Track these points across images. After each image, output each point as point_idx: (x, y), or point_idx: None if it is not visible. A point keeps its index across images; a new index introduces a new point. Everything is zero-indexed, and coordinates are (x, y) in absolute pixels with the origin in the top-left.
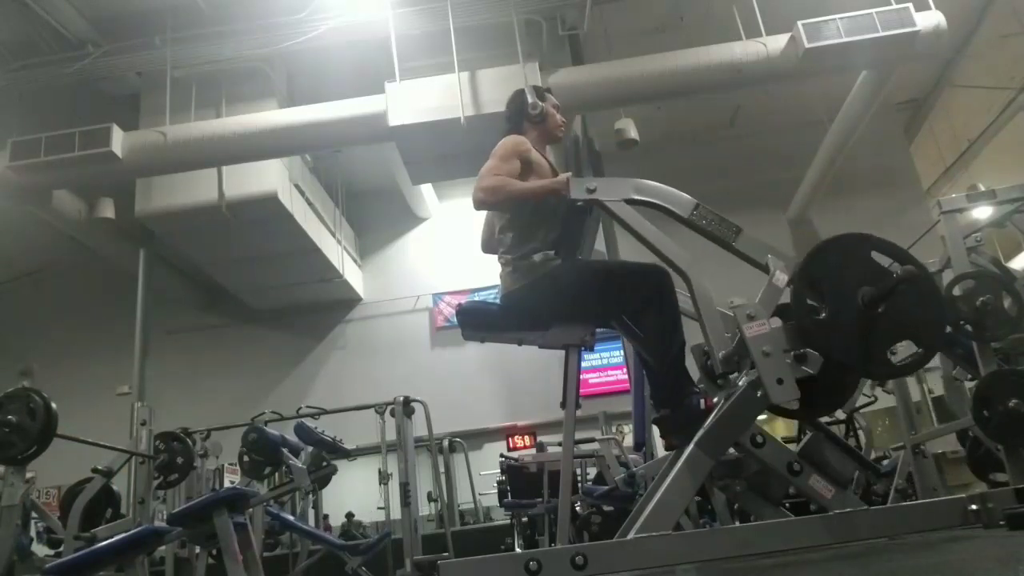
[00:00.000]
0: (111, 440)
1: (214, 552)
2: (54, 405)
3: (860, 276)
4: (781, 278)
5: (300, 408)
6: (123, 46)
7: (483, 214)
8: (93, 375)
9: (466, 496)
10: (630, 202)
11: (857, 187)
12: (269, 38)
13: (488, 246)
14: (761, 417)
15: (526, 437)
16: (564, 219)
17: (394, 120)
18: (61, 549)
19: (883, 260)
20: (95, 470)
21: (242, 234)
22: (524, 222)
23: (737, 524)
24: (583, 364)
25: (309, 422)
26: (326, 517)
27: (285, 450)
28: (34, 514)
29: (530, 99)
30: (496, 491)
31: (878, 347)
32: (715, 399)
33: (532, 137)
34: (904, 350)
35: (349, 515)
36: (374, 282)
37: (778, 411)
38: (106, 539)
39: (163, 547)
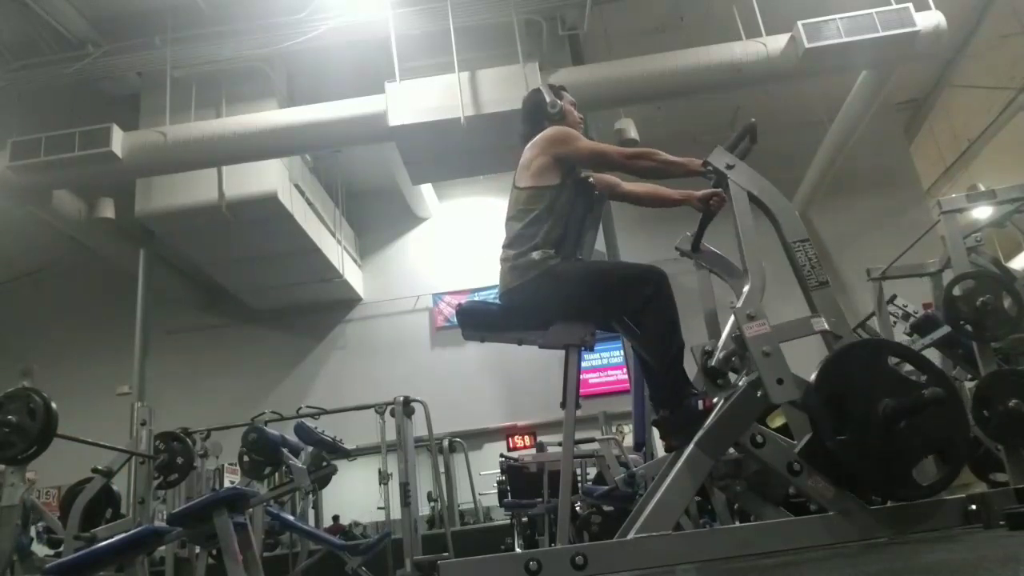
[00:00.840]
0: (111, 440)
1: (214, 552)
2: (54, 405)
3: (880, 387)
4: (819, 323)
5: (300, 408)
6: (123, 46)
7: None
8: (93, 375)
9: (466, 496)
10: (752, 197)
11: (857, 187)
12: (269, 38)
13: None
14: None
15: (526, 437)
16: (566, 218)
17: (394, 120)
18: (61, 549)
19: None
20: (95, 470)
21: (242, 234)
22: (529, 218)
23: (737, 524)
24: (583, 364)
25: (309, 422)
26: (336, 518)
27: (285, 450)
28: (34, 514)
29: (548, 98)
30: (496, 491)
31: (902, 466)
32: (715, 399)
33: None
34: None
35: (335, 518)
36: (374, 282)
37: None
38: (106, 539)
39: (163, 547)
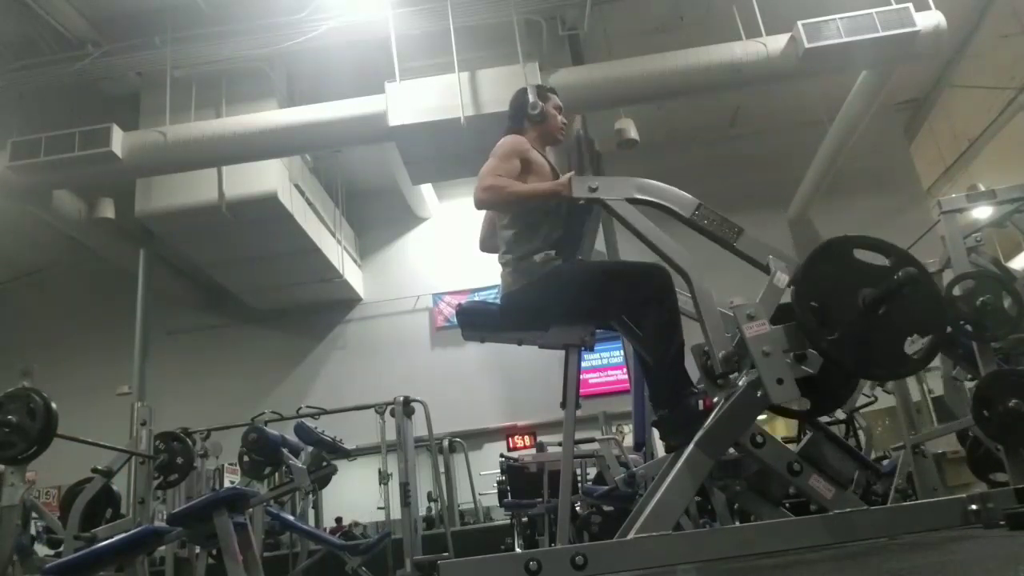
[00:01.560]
0: (111, 440)
1: (214, 552)
2: (54, 405)
3: (856, 279)
4: (782, 279)
5: (300, 408)
6: (123, 46)
7: (482, 213)
8: (93, 375)
9: (466, 496)
10: (632, 201)
11: (857, 187)
12: (269, 38)
13: (486, 244)
14: (761, 417)
15: (526, 437)
16: (565, 219)
17: (394, 120)
18: (61, 549)
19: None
20: (95, 470)
21: (242, 234)
22: (525, 222)
23: (737, 524)
24: (583, 364)
25: (309, 422)
26: (339, 520)
27: (285, 450)
28: (34, 514)
29: (531, 98)
30: (496, 491)
31: (888, 347)
32: (715, 399)
33: (532, 137)
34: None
35: (338, 520)
36: (374, 282)
37: (779, 411)
38: (106, 539)
39: (163, 547)
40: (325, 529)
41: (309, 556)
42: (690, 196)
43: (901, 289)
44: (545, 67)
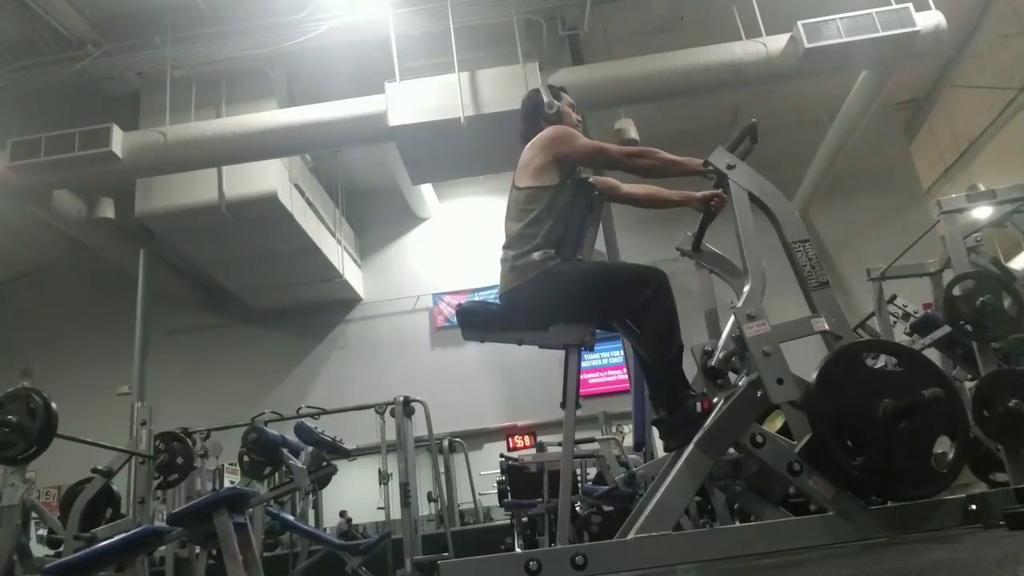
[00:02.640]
0: (111, 440)
1: (214, 552)
2: (54, 405)
3: (873, 390)
4: (819, 324)
5: (300, 408)
6: (123, 46)
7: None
8: (93, 375)
9: (466, 496)
10: (752, 197)
11: (857, 187)
12: (269, 38)
13: None
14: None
15: (526, 437)
16: (566, 218)
17: (394, 120)
18: (61, 549)
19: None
20: (95, 470)
21: (242, 234)
22: (529, 218)
23: (737, 524)
24: (583, 364)
25: (309, 422)
26: (350, 520)
27: (285, 450)
28: (34, 514)
29: (546, 98)
30: (496, 491)
31: (916, 459)
32: (715, 399)
33: None
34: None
35: (343, 514)
36: (374, 282)
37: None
38: (106, 539)
39: (163, 547)
40: (325, 529)
41: (309, 556)
42: (804, 227)
43: (927, 408)
44: (545, 67)
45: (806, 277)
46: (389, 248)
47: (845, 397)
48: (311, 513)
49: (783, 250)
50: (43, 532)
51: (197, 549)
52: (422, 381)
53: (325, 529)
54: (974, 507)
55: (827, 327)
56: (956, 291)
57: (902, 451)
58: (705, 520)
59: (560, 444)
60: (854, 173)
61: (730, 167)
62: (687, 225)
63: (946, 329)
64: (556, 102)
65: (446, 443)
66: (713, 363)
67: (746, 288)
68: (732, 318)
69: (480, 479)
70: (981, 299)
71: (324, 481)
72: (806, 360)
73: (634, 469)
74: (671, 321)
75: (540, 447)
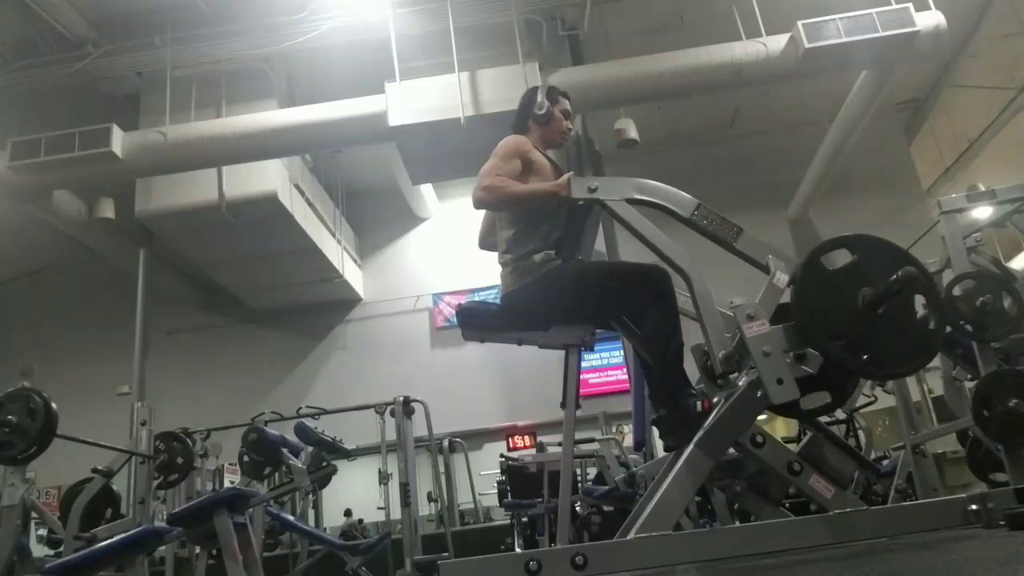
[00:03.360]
0: (111, 440)
1: (214, 552)
2: (54, 405)
3: (861, 277)
4: (782, 278)
5: (300, 408)
6: (123, 46)
7: (482, 212)
8: (93, 375)
9: (466, 496)
10: (631, 202)
11: (857, 187)
12: (269, 38)
13: (485, 242)
14: (761, 417)
15: (526, 437)
16: (565, 219)
17: (394, 120)
18: (61, 549)
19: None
20: (95, 470)
21: (242, 234)
22: (525, 221)
23: (737, 524)
24: (583, 364)
25: (309, 422)
26: (360, 521)
27: (285, 450)
28: (34, 514)
29: (538, 99)
30: (496, 491)
31: (878, 349)
32: (715, 399)
33: (535, 137)
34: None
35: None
36: (374, 282)
37: (778, 410)
38: (106, 539)
39: (163, 547)
40: (326, 529)
41: (309, 556)
42: (689, 196)
43: (901, 290)
44: (545, 67)
45: (722, 237)
46: (389, 248)
47: (824, 300)
48: (311, 513)
49: (686, 227)
50: (43, 532)
51: (197, 549)
52: (422, 381)
53: (325, 529)
54: (974, 507)
55: (783, 271)
56: (956, 291)
57: (880, 334)
58: (705, 520)
59: (560, 444)
60: (854, 173)
61: (592, 190)
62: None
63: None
64: (547, 104)
65: (446, 443)
66: (712, 363)
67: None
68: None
69: (480, 479)
70: (981, 299)
71: (324, 481)
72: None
73: (634, 469)
74: (672, 320)
75: (540, 447)
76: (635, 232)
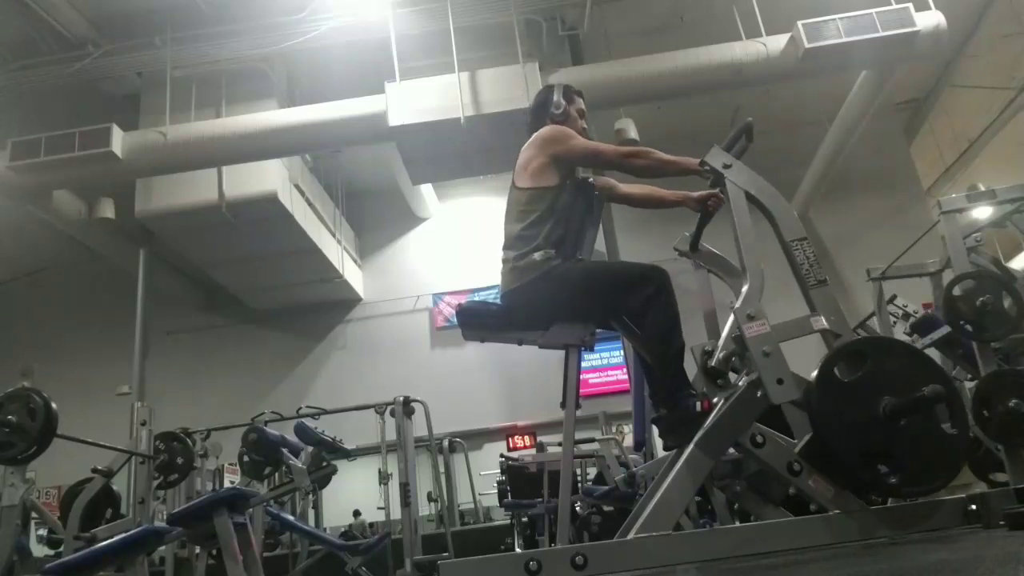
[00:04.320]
0: (111, 440)
1: (214, 552)
2: (54, 405)
3: (873, 387)
4: (819, 322)
5: (300, 408)
6: (123, 46)
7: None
8: (93, 375)
9: (466, 496)
10: (749, 197)
11: (857, 187)
12: (269, 38)
13: None
14: None
15: (526, 437)
16: (566, 218)
17: (394, 120)
18: (61, 549)
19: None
20: (95, 470)
21: (242, 234)
22: (528, 219)
23: (737, 524)
24: (583, 364)
25: (309, 422)
26: (372, 525)
27: (285, 450)
28: (34, 514)
29: (555, 98)
30: (496, 491)
31: (917, 456)
32: (715, 399)
33: None
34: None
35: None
36: (374, 282)
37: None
38: (106, 539)
39: (163, 547)
40: (326, 529)
41: (309, 556)
42: (801, 225)
43: (928, 405)
44: (545, 67)
45: (804, 275)
46: (389, 248)
47: (845, 395)
48: (311, 513)
49: (781, 249)
50: (43, 532)
51: (197, 549)
52: (422, 381)
53: (325, 529)
54: (974, 507)
55: (826, 325)
56: (956, 291)
57: (903, 448)
58: (705, 520)
59: (560, 444)
60: (854, 173)
61: (726, 166)
62: (687, 225)
63: (946, 329)
64: (564, 103)
65: (446, 443)
66: (713, 363)
67: (745, 288)
68: (732, 318)
69: (480, 479)
70: (981, 299)
71: (324, 481)
72: (806, 358)
73: (634, 469)
74: (672, 320)
75: (540, 447)
76: (735, 221)
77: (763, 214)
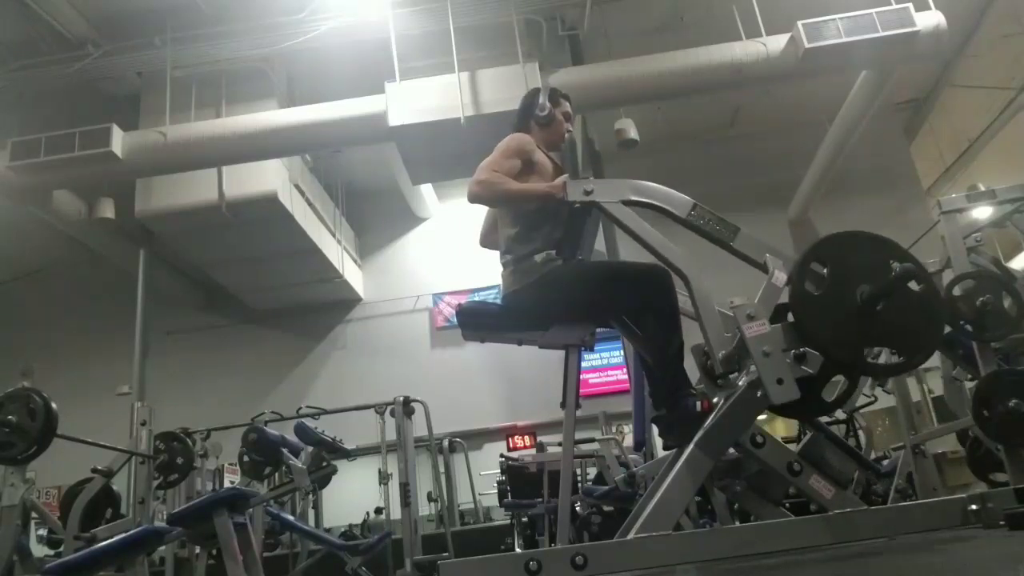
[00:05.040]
0: (111, 440)
1: (214, 552)
2: (54, 405)
3: (864, 274)
4: (780, 277)
5: (300, 408)
6: (123, 46)
7: (483, 212)
8: (93, 375)
9: (466, 496)
10: (627, 203)
11: (857, 187)
12: (269, 38)
13: (486, 240)
14: (761, 417)
15: (526, 437)
16: (566, 219)
17: (394, 120)
18: (61, 549)
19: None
20: (95, 470)
21: (242, 234)
22: (526, 222)
23: (737, 524)
24: (583, 364)
25: (309, 422)
26: (383, 534)
27: (285, 450)
28: (34, 514)
29: (540, 100)
30: (496, 491)
31: (866, 346)
32: (715, 399)
33: (536, 138)
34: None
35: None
36: (374, 282)
37: (778, 410)
38: (106, 539)
39: (163, 547)
40: (328, 530)
41: (309, 556)
42: (685, 196)
43: (898, 285)
44: (545, 67)
45: (719, 237)
46: (389, 248)
47: (824, 303)
48: (311, 513)
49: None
50: (43, 532)
51: (197, 549)
52: (422, 381)
53: (328, 530)
54: (974, 507)
55: (784, 274)
56: (956, 291)
57: (890, 327)
58: (705, 520)
59: (560, 444)
60: (854, 173)
61: (588, 192)
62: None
63: (946, 329)
64: (549, 106)
65: (446, 443)
66: (712, 363)
67: (690, 286)
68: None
69: (480, 479)
70: (981, 299)
71: (324, 481)
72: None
73: (634, 469)
74: (672, 320)
75: (540, 447)
76: (632, 234)
77: (651, 209)
